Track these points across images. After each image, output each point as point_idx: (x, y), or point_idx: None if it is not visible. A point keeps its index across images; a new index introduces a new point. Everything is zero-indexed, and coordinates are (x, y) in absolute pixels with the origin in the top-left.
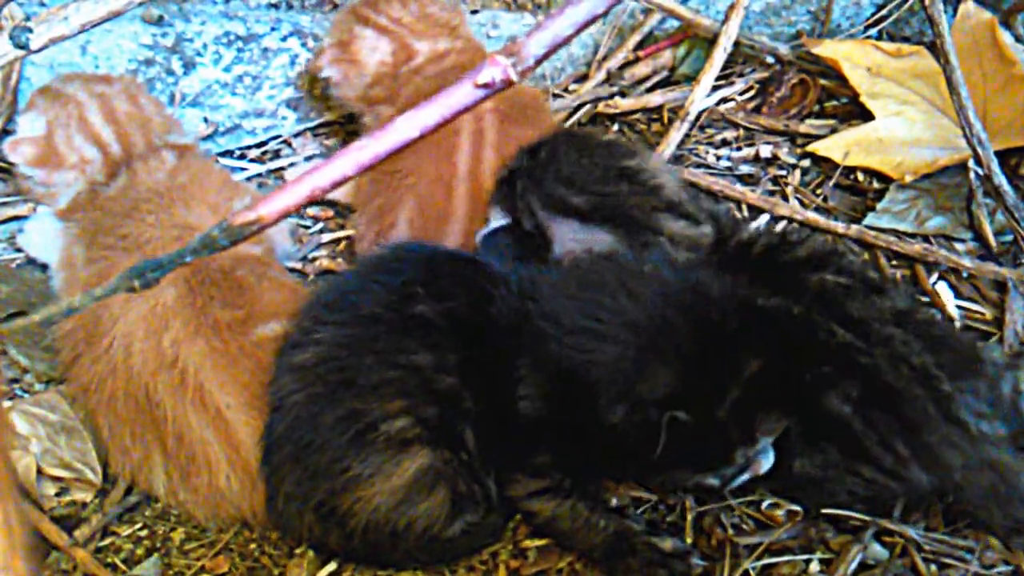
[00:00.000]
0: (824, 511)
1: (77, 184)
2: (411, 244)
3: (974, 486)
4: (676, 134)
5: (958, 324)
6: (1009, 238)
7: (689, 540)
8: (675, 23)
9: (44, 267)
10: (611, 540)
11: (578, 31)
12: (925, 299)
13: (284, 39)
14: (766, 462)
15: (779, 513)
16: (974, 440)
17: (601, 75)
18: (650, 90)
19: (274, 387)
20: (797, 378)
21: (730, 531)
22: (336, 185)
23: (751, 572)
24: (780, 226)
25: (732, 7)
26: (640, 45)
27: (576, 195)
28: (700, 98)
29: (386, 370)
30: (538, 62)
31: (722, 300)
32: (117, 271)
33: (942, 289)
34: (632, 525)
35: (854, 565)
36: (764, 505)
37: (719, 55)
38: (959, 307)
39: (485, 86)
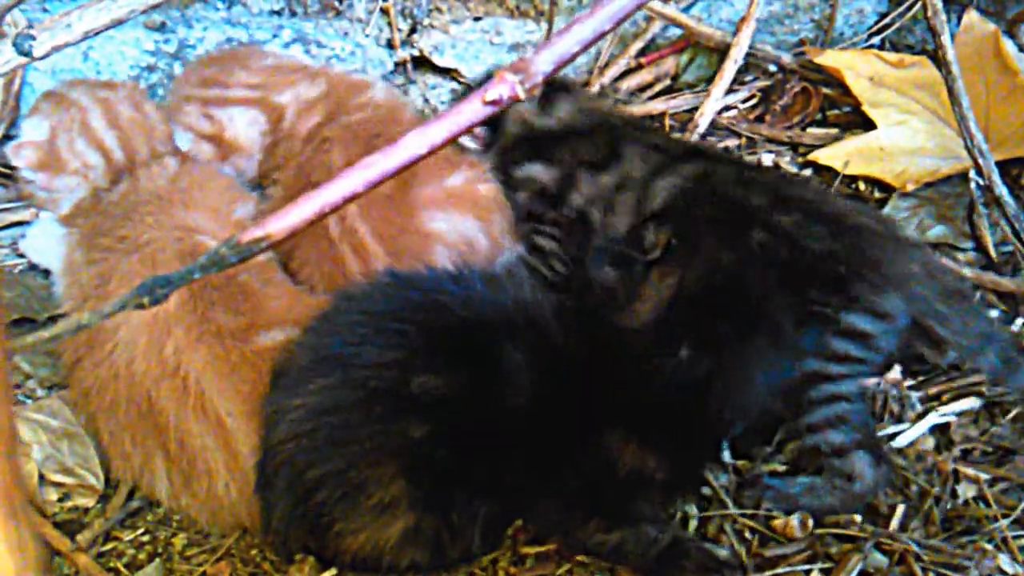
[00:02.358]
0: (826, 518)
1: (79, 190)
2: (417, 293)
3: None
4: None
5: None
6: (1010, 248)
7: None
8: (677, 31)
9: (46, 273)
10: (666, 550)
11: (585, 48)
12: None
13: (287, 46)
14: None
15: (781, 523)
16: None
17: (600, 85)
18: (652, 98)
19: (267, 430)
20: None
21: (733, 539)
22: (346, 201)
23: None
24: None
25: (743, 20)
26: (642, 52)
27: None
28: (711, 112)
29: (380, 438)
30: (545, 78)
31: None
32: (117, 273)
33: None
34: (682, 533)
35: (854, 575)
36: (766, 515)
37: (730, 68)
38: None
39: (493, 103)
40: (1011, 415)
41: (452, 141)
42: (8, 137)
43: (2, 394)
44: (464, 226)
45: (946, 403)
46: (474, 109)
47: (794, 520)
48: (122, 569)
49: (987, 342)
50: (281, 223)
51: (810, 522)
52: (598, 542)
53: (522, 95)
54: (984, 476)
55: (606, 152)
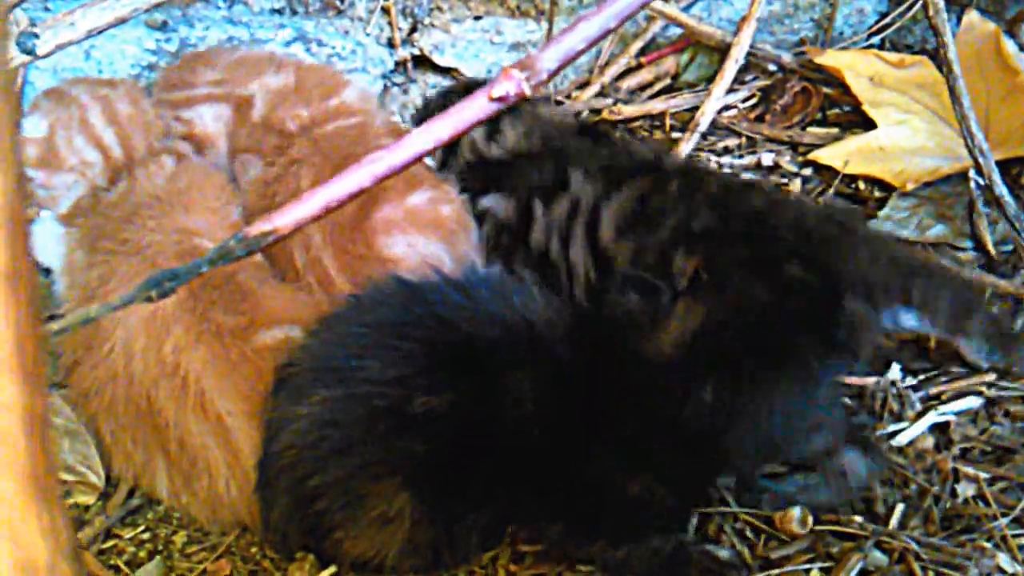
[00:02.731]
0: (827, 516)
1: (77, 187)
2: (422, 308)
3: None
4: (686, 145)
5: None
6: (1010, 247)
7: None
8: (678, 30)
9: (47, 271)
10: (669, 557)
11: (590, 45)
12: None
13: (288, 44)
14: None
15: (780, 515)
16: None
17: (600, 84)
18: (652, 97)
19: (269, 438)
20: None
21: (735, 539)
22: (352, 197)
23: None
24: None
25: (744, 19)
26: (643, 52)
27: None
28: (711, 111)
29: (383, 452)
30: (551, 76)
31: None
32: (117, 274)
33: None
34: (684, 538)
35: (854, 573)
36: (767, 514)
37: (730, 67)
38: None
39: (500, 99)
40: (1011, 414)
41: (457, 138)
42: None
43: (37, 380)
44: (427, 248)
45: (945, 402)
46: (480, 105)
47: (795, 512)
48: (123, 567)
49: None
50: (287, 218)
51: (810, 519)
52: (604, 559)
53: (528, 92)
54: (983, 475)
55: (554, 178)
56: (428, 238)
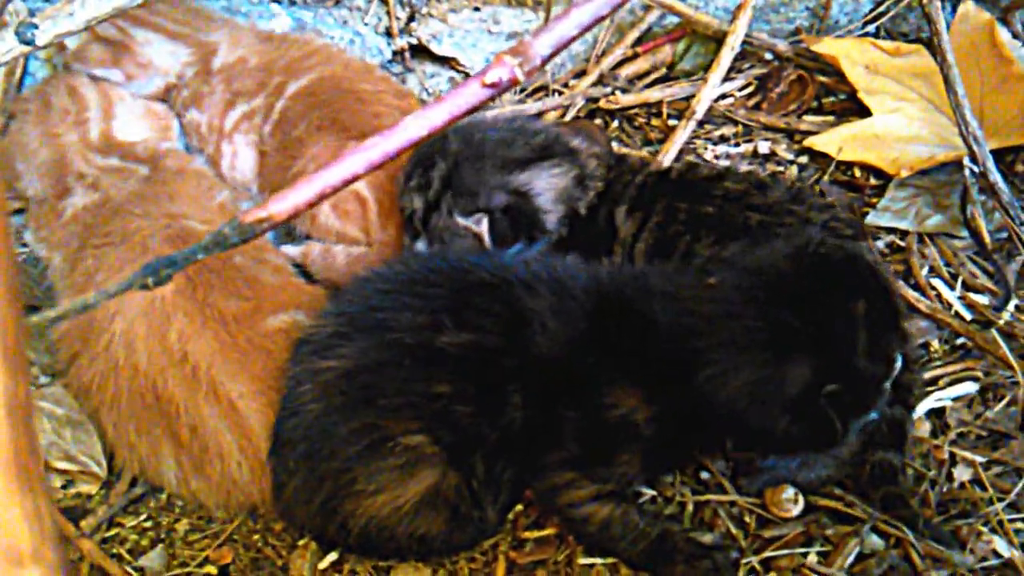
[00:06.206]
0: (822, 502)
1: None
2: (443, 263)
3: None
4: (683, 133)
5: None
6: (1005, 235)
7: None
8: (674, 19)
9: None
10: (655, 543)
11: (583, 31)
12: (919, 295)
13: None
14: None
15: (770, 493)
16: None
17: (598, 73)
18: (649, 86)
19: (291, 392)
20: None
21: (730, 524)
22: (347, 183)
23: (754, 564)
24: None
25: (740, 7)
26: (639, 41)
27: (514, 150)
28: (707, 99)
29: (407, 394)
30: (544, 62)
31: (803, 269)
32: (106, 265)
33: (938, 284)
34: (672, 526)
35: (852, 558)
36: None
37: (727, 55)
38: (956, 299)
39: (492, 85)
40: (1005, 400)
41: (451, 123)
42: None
43: (19, 365)
44: None
45: (942, 388)
46: (473, 92)
47: (787, 490)
48: (125, 555)
49: None
50: (282, 204)
51: (801, 498)
52: (587, 514)
53: (521, 78)
54: (979, 459)
55: (609, 228)
56: None
